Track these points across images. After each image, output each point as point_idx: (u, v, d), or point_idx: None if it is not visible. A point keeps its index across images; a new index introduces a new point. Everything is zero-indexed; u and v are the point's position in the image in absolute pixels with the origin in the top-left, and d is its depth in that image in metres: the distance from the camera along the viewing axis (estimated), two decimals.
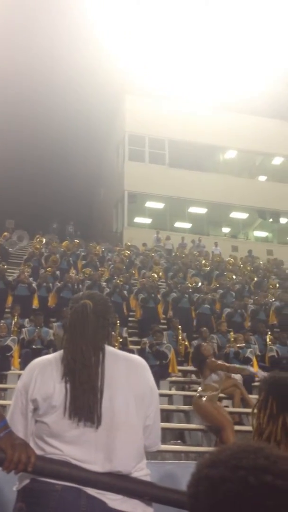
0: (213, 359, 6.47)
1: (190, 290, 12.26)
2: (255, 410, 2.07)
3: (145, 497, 1.87)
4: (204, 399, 6.14)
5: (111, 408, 1.87)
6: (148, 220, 25.63)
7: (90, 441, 1.83)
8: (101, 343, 1.98)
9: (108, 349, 2.01)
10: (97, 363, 1.93)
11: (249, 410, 6.68)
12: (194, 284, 12.90)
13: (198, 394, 6.31)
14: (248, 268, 16.73)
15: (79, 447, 1.83)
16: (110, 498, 1.80)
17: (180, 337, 9.70)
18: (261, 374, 6.51)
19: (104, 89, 25.35)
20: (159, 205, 25.27)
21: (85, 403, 1.86)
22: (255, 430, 2.03)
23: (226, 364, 6.62)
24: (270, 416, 1.96)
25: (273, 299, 12.79)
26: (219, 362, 6.51)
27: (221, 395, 7.51)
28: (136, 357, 2.13)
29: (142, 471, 1.92)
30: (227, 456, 0.61)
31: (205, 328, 9.87)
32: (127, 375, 1.96)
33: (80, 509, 1.76)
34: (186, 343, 9.70)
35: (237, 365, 6.74)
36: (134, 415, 1.91)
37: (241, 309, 11.71)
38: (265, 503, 0.55)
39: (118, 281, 11.74)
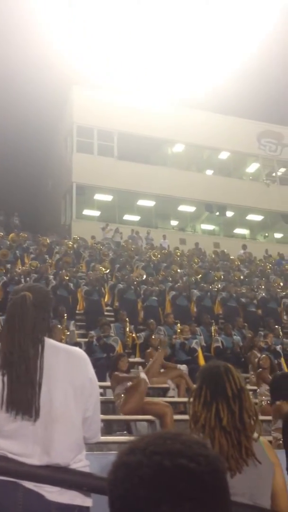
0: (117, 373, 6.62)
1: (136, 282, 12.34)
2: (191, 399, 2.13)
3: (83, 488, 1.89)
4: (119, 403, 6.39)
5: (49, 401, 1.87)
6: (96, 213, 25.51)
7: (28, 435, 1.83)
8: (40, 335, 1.97)
9: (48, 341, 2.00)
10: (35, 356, 1.92)
11: None
12: (139, 277, 12.98)
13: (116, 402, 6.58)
14: (195, 260, 17.00)
15: (17, 441, 1.82)
16: (48, 491, 1.81)
17: (127, 329, 9.75)
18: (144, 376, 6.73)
19: (51, 79, 24.97)
20: (108, 198, 25.19)
21: (22, 396, 1.85)
22: (191, 418, 2.09)
23: (128, 375, 6.69)
24: (204, 404, 2.03)
25: (217, 288, 13.07)
26: (122, 375, 6.63)
27: (165, 385, 7.68)
28: (76, 349, 2.13)
29: (81, 463, 1.93)
30: (145, 443, 0.62)
31: (152, 320, 9.96)
32: (66, 367, 1.96)
33: (17, 502, 1.76)
34: (134, 335, 9.76)
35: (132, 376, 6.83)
36: (73, 407, 1.92)
37: (186, 293, 11.93)
38: (178, 485, 0.56)
39: (64, 275, 11.65)
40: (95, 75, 25.98)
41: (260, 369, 7.52)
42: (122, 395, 6.50)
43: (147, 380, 6.70)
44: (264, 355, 7.82)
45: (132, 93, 25.87)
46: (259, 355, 8.15)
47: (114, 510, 0.61)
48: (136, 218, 25.91)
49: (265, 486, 1.96)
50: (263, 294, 13.08)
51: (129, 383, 6.54)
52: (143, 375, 6.65)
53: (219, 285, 13.55)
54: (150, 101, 25.80)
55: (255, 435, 2.01)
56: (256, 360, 7.96)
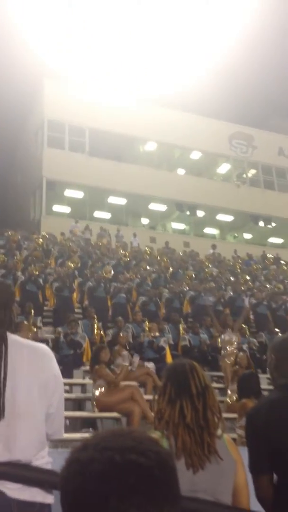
0: (98, 367, 6.56)
1: (105, 280, 12.30)
2: (156, 396, 2.14)
3: (45, 485, 1.87)
4: (99, 393, 6.36)
5: (12, 398, 1.84)
6: (67, 209, 25.31)
7: None
8: (2, 332, 1.94)
9: (11, 337, 1.97)
10: None
11: None
12: (107, 274, 12.96)
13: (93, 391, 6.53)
14: (165, 259, 17.08)
15: None
16: (9, 488, 1.78)
17: (95, 326, 9.71)
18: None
19: (22, 71, 24.59)
20: (79, 194, 25.02)
21: None
22: (155, 415, 2.10)
23: (111, 375, 6.64)
24: (168, 401, 2.04)
25: (187, 288, 13.15)
26: (106, 372, 6.59)
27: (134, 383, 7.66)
28: (40, 345, 2.11)
29: (43, 459, 1.91)
30: (97, 439, 0.64)
31: (120, 318, 9.95)
32: (30, 364, 1.94)
33: None
34: (102, 332, 9.73)
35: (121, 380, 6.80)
36: (36, 404, 1.90)
37: (155, 298, 11.93)
38: (127, 480, 0.58)
39: (33, 270, 11.52)
40: (67, 69, 25.74)
41: (237, 366, 7.61)
42: (103, 388, 6.45)
43: (135, 387, 6.68)
44: (242, 353, 7.92)
45: (105, 90, 25.74)
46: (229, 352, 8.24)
47: (66, 505, 0.61)
48: (107, 215, 25.83)
49: (227, 483, 1.98)
50: (231, 293, 13.22)
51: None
52: (133, 382, 6.65)
53: (188, 284, 13.63)
54: (123, 99, 25.73)
55: (219, 432, 2.03)
56: (233, 358, 8.06)
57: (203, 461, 1.94)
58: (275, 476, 2.11)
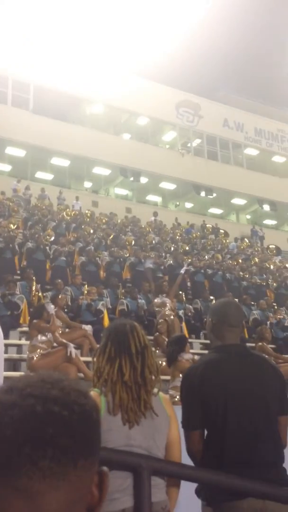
0: (37, 321, 6.49)
1: (46, 242, 12.13)
2: (95, 355, 2.18)
3: None
4: (35, 357, 6.32)
5: None
6: (7, 167, 24.49)
7: None
8: None
9: None
10: None
11: None
12: (48, 237, 12.77)
13: (29, 355, 6.46)
14: (104, 220, 17.06)
15: None
16: None
17: (33, 288, 9.61)
18: None
19: None
20: (21, 153, 24.21)
21: None
22: (95, 373, 2.14)
23: (49, 326, 6.53)
24: (108, 359, 2.09)
25: (128, 255, 13.22)
26: (45, 325, 6.49)
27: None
28: None
29: None
30: (24, 384, 0.63)
31: (59, 280, 9.89)
32: None
33: None
34: (40, 294, 9.65)
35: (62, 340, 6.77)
36: None
37: (95, 259, 11.95)
38: (44, 430, 0.58)
39: None
40: (14, 20, 24.47)
41: (157, 333, 7.80)
42: (39, 350, 6.38)
43: (74, 352, 6.63)
44: (161, 320, 8.11)
45: (54, 47, 24.76)
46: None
47: None
48: (49, 176, 25.25)
49: (161, 438, 2.07)
50: (171, 261, 13.43)
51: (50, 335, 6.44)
52: (71, 348, 6.59)
53: (129, 250, 13.70)
54: (72, 58, 24.90)
55: (155, 390, 2.11)
56: (163, 320, 8.24)
57: (138, 417, 2.02)
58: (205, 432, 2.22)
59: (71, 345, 6.66)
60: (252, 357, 2.32)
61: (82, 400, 0.63)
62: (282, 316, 11.42)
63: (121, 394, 2.02)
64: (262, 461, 2.12)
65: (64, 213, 16.58)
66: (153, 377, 2.10)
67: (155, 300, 9.11)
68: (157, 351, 7.33)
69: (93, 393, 2.08)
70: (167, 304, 8.83)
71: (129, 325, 2.19)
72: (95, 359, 2.16)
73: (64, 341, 6.65)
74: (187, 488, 2.17)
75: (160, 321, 7.94)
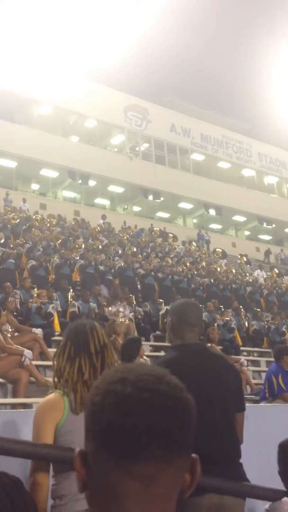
0: None
1: None
2: (56, 356, 2.17)
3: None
4: None
5: None
6: None
7: None
8: None
9: None
10: None
11: (48, 363, 6.86)
12: None
13: None
14: (54, 222, 16.90)
15: None
16: None
17: None
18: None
19: None
20: None
21: None
22: (55, 372, 2.13)
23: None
24: (68, 359, 2.09)
25: (78, 257, 13.14)
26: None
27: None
28: None
29: None
30: (134, 376, 0.69)
31: (8, 283, 9.69)
32: None
33: None
34: None
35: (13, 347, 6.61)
36: None
37: (45, 263, 11.79)
38: (160, 423, 0.66)
39: None
40: None
41: (113, 336, 7.77)
42: None
43: (28, 361, 6.47)
44: (118, 321, 8.10)
45: (1, 46, 24.26)
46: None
47: (96, 431, 0.68)
48: None
49: None
50: (121, 263, 13.45)
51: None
52: (27, 351, 6.43)
53: (78, 253, 13.60)
54: (20, 57, 24.48)
55: None
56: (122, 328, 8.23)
57: None
58: None
59: (29, 352, 6.51)
60: (210, 356, 2.38)
61: (186, 395, 0.71)
62: (228, 318, 11.68)
63: (82, 393, 2.03)
64: (220, 457, 2.18)
65: (11, 216, 16.25)
66: None
67: (110, 309, 9.08)
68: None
69: (56, 394, 2.07)
70: (121, 313, 8.83)
71: (89, 324, 2.21)
72: (55, 359, 2.15)
73: (20, 348, 6.51)
74: None
75: (117, 322, 7.93)
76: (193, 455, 0.72)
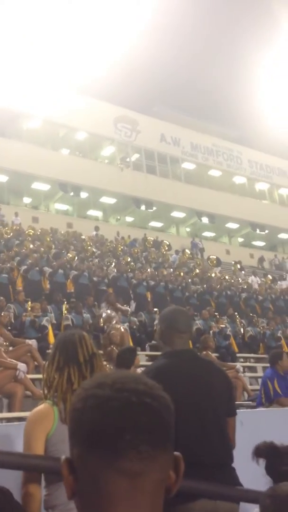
0: None
1: None
2: (45, 365, 2.17)
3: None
4: None
5: None
6: None
7: None
8: None
9: None
10: None
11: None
12: None
13: None
14: (48, 239, 16.85)
15: None
16: None
17: None
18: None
19: None
20: None
21: None
22: (45, 382, 2.14)
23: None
24: (57, 369, 2.09)
25: (69, 266, 13.14)
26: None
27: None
28: None
29: None
30: (111, 380, 0.72)
31: (1, 298, 9.66)
32: None
33: None
34: None
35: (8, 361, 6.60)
36: None
37: (38, 267, 11.87)
38: (142, 419, 0.69)
39: None
40: None
41: (111, 347, 7.75)
42: None
43: (22, 375, 6.43)
44: (114, 331, 8.07)
45: None
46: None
47: (79, 435, 0.70)
48: None
49: None
50: (114, 273, 13.45)
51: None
52: (20, 365, 6.41)
53: (72, 264, 13.59)
54: (8, 71, 24.59)
55: None
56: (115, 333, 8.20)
57: None
58: None
59: (23, 366, 6.49)
60: (200, 361, 2.39)
61: (163, 393, 0.74)
62: (223, 325, 11.69)
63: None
64: (212, 461, 2.18)
65: (4, 230, 16.23)
66: None
67: (103, 316, 9.07)
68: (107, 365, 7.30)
69: (45, 405, 2.07)
70: (114, 319, 8.81)
71: (77, 334, 2.22)
72: (44, 370, 2.16)
73: (14, 362, 6.48)
74: None
75: (112, 332, 7.91)
76: (176, 453, 0.74)
